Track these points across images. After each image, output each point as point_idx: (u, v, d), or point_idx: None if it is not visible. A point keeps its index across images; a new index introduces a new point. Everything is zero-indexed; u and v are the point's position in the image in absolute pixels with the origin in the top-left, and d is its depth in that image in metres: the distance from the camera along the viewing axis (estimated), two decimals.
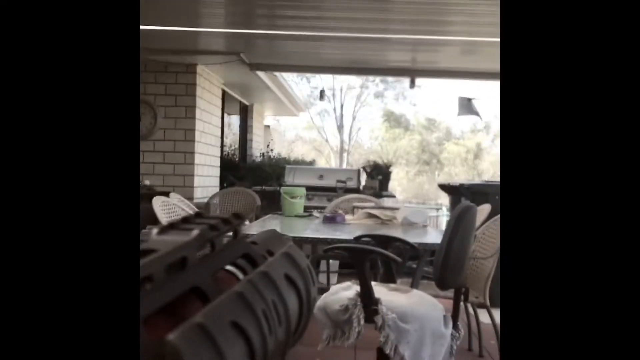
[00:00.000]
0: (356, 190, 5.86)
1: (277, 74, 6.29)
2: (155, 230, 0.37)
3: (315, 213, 4.17)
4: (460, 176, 16.21)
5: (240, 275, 0.39)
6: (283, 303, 0.37)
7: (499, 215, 3.26)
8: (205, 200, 5.35)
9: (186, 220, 0.39)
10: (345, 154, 18.97)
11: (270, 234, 0.44)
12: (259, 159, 7.76)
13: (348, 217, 3.79)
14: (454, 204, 4.71)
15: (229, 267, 0.40)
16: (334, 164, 18.18)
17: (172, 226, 0.37)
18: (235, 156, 7.69)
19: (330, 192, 5.79)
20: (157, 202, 3.78)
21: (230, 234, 0.41)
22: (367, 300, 2.06)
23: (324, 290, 2.36)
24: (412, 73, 5.68)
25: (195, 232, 0.37)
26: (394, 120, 19.60)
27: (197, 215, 0.40)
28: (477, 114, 6.11)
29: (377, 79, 17.43)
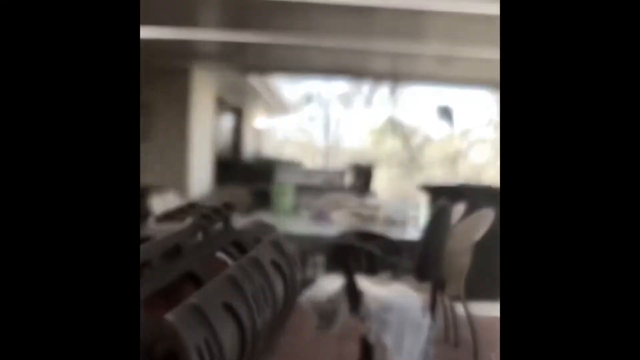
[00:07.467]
0: (341, 190, 5.88)
1: (268, 79, 6.30)
2: (152, 219, 0.38)
3: (303, 211, 4.17)
4: (439, 178, 16.32)
5: (229, 261, 0.40)
6: (270, 286, 0.37)
7: (474, 214, 3.28)
8: (199, 197, 5.33)
9: (181, 209, 0.40)
10: (331, 156, 18.98)
11: (257, 222, 0.45)
12: (250, 159, 7.75)
13: (333, 214, 3.80)
14: (431, 204, 4.74)
15: (219, 254, 0.41)
16: (320, 164, 18.17)
17: (168, 215, 0.38)
18: (228, 156, 7.66)
19: (317, 191, 5.80)
20: (155, 198, 3.76)
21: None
22: (351, 293, 2.08)
23: (310, 283, 2.36)
24: (393, 79, 5.74)
25: (188, 221, 0.37)
26: (378, 125, 19.68)
27: (191, 205, 0.40)
28: (451, 122, 6.17)
29: (365, 86, 17.41)
